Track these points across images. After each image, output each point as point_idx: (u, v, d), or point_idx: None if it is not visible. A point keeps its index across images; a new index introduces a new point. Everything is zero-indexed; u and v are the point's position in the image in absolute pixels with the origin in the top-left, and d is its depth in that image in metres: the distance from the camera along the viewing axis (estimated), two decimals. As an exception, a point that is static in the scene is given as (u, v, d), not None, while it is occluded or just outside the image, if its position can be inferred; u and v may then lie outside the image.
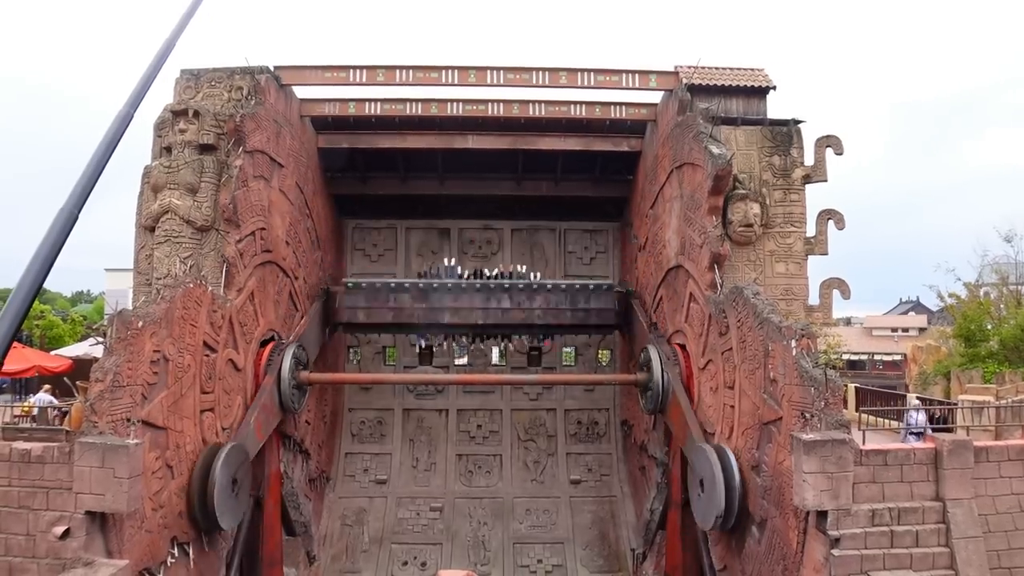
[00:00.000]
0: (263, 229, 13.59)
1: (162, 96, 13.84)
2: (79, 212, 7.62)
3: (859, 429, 13.67)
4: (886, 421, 17.33)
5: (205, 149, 13.06)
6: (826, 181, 13.97)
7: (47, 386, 19.58)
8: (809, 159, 13.94)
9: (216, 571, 11.69)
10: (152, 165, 13.19)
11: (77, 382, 14.61)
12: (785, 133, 13.96)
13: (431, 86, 15.57)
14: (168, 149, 13.06)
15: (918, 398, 14.62)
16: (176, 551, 10.26)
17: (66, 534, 8.56)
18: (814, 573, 8.89)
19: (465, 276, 18.14)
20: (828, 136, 13.97)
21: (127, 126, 8.74)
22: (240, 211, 12.55)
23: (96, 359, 9.42)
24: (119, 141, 8.50)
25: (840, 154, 13.90)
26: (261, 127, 13.31)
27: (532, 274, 18.79)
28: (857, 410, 18.05)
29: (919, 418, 14.60)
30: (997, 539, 9.65)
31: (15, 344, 22.26)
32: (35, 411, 17.06)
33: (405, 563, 17.71)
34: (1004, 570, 9.57)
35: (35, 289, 6.99)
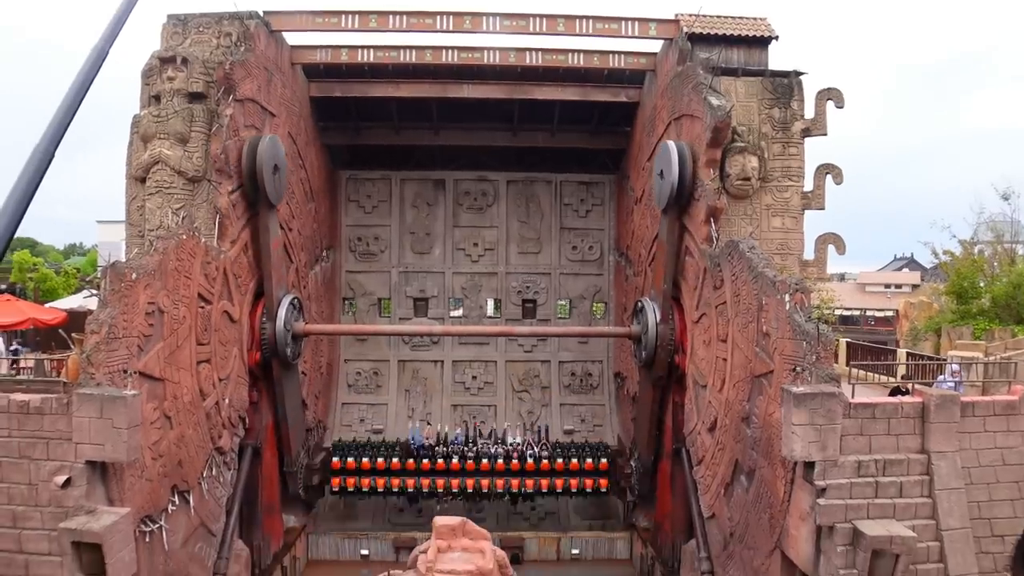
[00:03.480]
0: (256, 180, 13.41)
1: (149, 43, 13.44)
2: (55, 149, 7.44)
3: (849, 383, 13.86)
4: (876, 375, 17.56)
5: (195, 97, 12.76)
6: (826, 135, 13.83)
7: None
8: (809, 112, 13.76)
9: (216, 518, 11.95)
10: (141, 114, 12.90)
11: (72, 334, 14.64)
12: (786, 85, 13.73)
13: (425, 32, 15.23)
14: (157, 98, 12.75)
15: (951, 361, 14.64)
16: (176, 499, 10.47)
17: (67, 483, 8.68)
18: (799, 521, 9.14)
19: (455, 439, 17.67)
20: (829, 89, 13.76)
21: (103, 62, 8.42)
22: (232, 161, 12.37)
23: (90, 311, 9.40)
24: (94, 78, 8.23)
25: (841, 107, 13.71)
26: (251, 75, 13.00)
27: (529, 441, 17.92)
28: (848, 364, 18.26)
29: (949, 379, 14.55)
30: (979, 491, 9.90)
31: (8, 297, 22.19)
32: None
33: (401, 510, 18.12)
34: (984, 520, 9.85)
35: (12, 227, 6.90)
